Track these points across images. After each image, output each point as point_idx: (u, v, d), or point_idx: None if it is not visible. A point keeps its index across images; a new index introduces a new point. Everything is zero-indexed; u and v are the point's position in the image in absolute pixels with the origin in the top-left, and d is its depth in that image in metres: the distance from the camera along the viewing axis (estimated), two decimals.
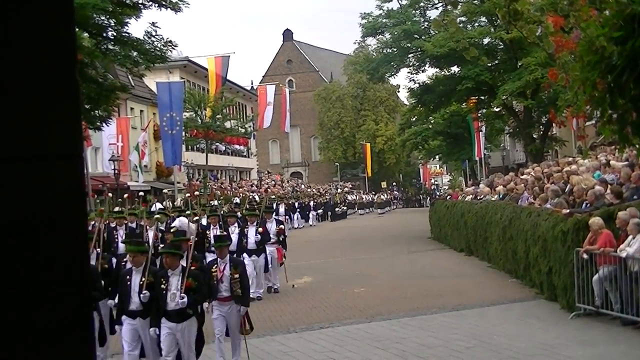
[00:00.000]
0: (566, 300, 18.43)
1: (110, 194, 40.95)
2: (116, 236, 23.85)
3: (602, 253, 16.87)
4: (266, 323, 19.41)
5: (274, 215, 27.52)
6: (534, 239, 20.96)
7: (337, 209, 79.83)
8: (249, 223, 24.16)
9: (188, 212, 29.28)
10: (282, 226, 26.35)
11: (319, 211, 74.08)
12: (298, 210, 66.33)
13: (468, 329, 17.30)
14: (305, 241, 44.04)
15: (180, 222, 24.51)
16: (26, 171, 2.01)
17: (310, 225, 66.72)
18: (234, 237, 23.20)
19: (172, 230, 19.95)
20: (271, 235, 24.51)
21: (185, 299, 12.88)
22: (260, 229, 23.41)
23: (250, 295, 21.45)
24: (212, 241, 21.96)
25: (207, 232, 23.78)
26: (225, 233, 22.67)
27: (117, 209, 34.32)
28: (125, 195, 34.55)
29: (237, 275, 14.92)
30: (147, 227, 23.40)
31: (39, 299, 2.03)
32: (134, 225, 25.84)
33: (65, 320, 2.06)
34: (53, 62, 2.06)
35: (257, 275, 23.18)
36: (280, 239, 25.34)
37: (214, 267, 15.17)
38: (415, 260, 32.53)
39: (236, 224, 24.66)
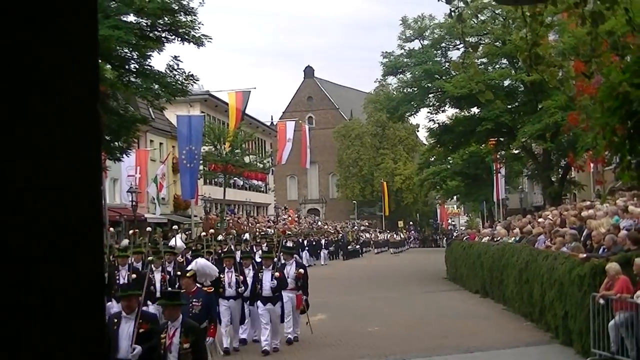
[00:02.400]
0: (581, 345, 18.31)
1: (111, 229, 40.10)
2: (117, 277, 21.36)
3: (618, 299, 16.78)
4: None
5: (295, 257, 23.99)
6: (550, 283, 20.87)
7: (349, 247, 77.71)
8: (264, 267, 20.90)
9: (199, 248, 26.86)
10: (301, 270, 22.36)
11: (330, 249, 71.92)
12: (307, 248, 63.26)
13: None
14: (320, 278, 43.95)
15: (198, 264, 19.27)
16: (44, 201, 2.02)
17: (322, 264, 64.47)
18: (249, 281, 21.04)
19: (188, 275, 16.92)
20: (288, 280, 21.41)
21: None
22: (277, 274, 20.43)
23: (265, 347, 19.99)
24: (227, 286, 20.54)
25: (221, 275, 20.54)
26: (242, 277, 20.87)
27: (125, 242, 31.60)
28: (131, 231, 31.18)
29: (187, 345, 11.92)
30: (154, 268, 21.64)
31: (54, 327, 2.03)
32: (139, 265, 23.13)
33: (80, 352, 2.06)
34: (75, 93, 2.07)
35: (274, 324, 20.42)
36: (299, 284, 21.89)
37: (163, 333, 12.16)
38: (430, 300, 32.42)
39: (250, 267, 21.80)
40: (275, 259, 21.92)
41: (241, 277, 20.76)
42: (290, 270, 21.85)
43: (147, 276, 17.96)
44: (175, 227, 39.61)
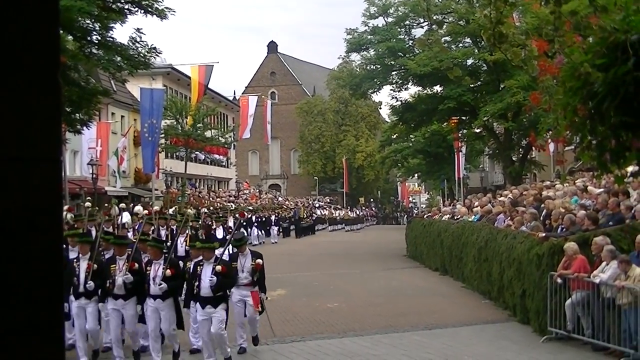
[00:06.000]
0: (538, 324, 18.49)
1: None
2: None
3: (575, 278, 16.94)
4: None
5: (247, 247, 18.54)
6: (509, 262, 21.02)
7: (302, 223, 74.73)
8: (204, 259, 16.00)
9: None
10: (259, 261, 17.47)
11: (283, 225, 69.52)
12: (256, 224, 59.58)
13: (440, 349, 17.31)
14: (280, 254, 43.98)
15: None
16: (2, 172, 1.99)
17: (272, 242, 60.93)
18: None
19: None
20: (244, 274, 17.26)
21: None
22: (218, 267, 15.72)
23: None
24: (151, 282, 15.78)
25: (148, 268, 16.15)
26: (171, 271, 15.98)
27: (68, 216, 25.52)
28: (66, 207, 26.49)
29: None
30: (81, 256, 16.54)
31: (12, 298, 2.02)
32: (74, 251, 17.19)
33: (37, 321, 2.05)
34: (36, 64, 2.05)
35: (216, 335, 15.66)
36: (256, 278, 17.39)
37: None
38: (389, 277, 32.50)
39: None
40: (220, 251, 17.56)
41: (169, 271, 15.75)
42: (246, 262, 17.48)
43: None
44: (118, 203, 38.29)
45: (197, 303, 15.92)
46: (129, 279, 15.81)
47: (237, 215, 35.82)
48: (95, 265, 16.03)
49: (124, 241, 17.54)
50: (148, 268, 16.10)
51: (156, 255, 16.22)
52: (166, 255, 16.62)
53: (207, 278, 15.61)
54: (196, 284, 15.80)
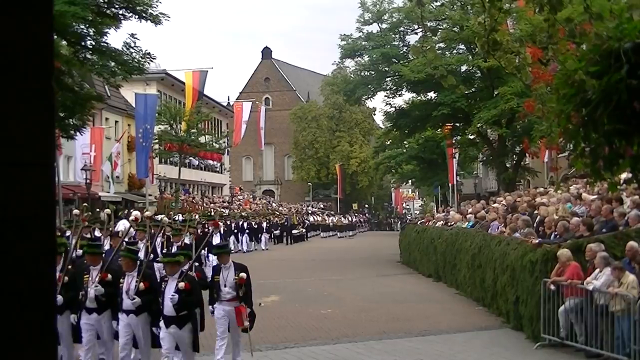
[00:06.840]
0: (531, 330, 18.49)
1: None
2: None
3: (569, 285, 16.95)
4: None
5: (230, 259, 16.45)
6: (502, 268, 21.02)
7: (294, 231, 72.96)
8: (168, 274, 14.69)
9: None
10: (243, 275, 15.71)
11: (275, 232, 68.34)
12: (247, 231, 57.91)
13: (433, 355, 17.30)
14: (273, 260, 43.94)
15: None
16: None
17: (263, 249, 59.50)
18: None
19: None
20: (227, 289, 15.68)
21: None
22: (182, 284, 14.16)
23: None
24: (124, 295, 14.50)
25: (121, 280, 14.67)
26: (145, 285, 14.73)
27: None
28: None
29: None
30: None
31: (4, 303, 2.01)
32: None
33: (30, 327, 2.04)
34: (29, 69, 2.04)
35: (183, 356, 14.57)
36: (241, 293, 15.70)
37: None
38: (383, 283, 32.49)
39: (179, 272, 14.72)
40: (186, 267, 15.19)
41: (143, 285, 14.48)
42: (228, 275, 15.80)
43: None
44: (107, 210, 38.05)
45: (162, 321, 14.37)
46: (99, 290, 14.59)
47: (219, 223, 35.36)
48: (67, 277, 14.66)
49: (97, 250, 16.04)
50: (121, 280, 14.69)
51: (129, 267, 14.75)
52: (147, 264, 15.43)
53: (168, 295, 14.18)
54: (160, 300, 14.45)
